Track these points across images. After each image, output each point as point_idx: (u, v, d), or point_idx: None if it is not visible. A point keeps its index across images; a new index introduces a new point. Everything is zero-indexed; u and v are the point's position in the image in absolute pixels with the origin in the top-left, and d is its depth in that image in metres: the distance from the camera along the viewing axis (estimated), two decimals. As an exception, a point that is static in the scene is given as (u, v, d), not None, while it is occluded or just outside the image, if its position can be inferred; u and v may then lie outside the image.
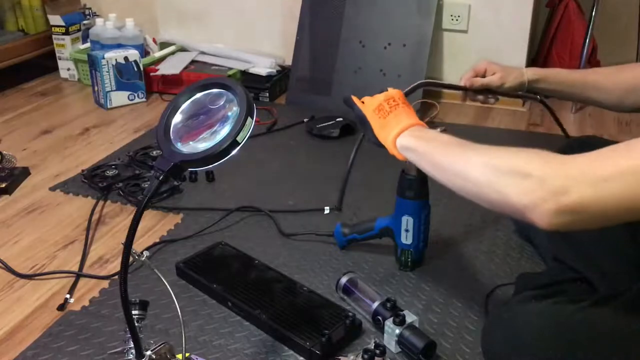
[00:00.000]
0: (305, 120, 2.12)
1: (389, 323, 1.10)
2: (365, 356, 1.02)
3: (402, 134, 1.02)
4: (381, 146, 1.07)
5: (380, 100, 1.10)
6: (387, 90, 1.13)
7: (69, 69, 2.62)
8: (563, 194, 0.75)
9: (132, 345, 0.89)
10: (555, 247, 1.22)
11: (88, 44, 2.55)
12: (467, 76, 1.33)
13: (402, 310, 1.12)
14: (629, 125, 2.14)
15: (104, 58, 2.26)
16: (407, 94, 1.16)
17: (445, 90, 2.37)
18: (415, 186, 1.26)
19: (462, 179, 0.88)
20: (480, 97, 1.34)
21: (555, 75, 1.31)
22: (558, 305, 0.90)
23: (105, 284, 1.32)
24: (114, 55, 2.28)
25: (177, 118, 0.90)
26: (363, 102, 1.13)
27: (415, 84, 1.24)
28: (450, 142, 0.95)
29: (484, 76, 1.33)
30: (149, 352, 0.90)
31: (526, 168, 0.79)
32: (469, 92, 1.34)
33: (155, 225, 1.53)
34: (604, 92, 1.27)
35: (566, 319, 0.88)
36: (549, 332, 0.87)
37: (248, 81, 2.36)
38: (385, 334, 1.11)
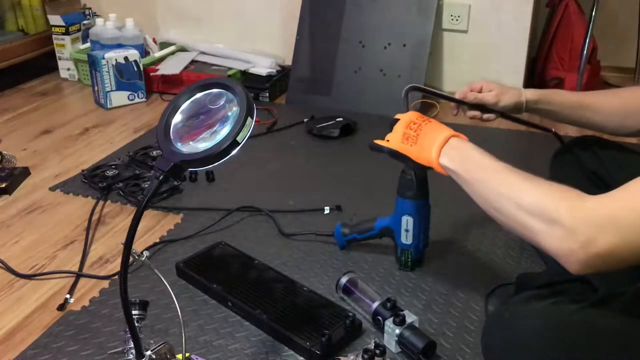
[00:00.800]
0: (305, 120, 2.12)
1: (389, 323, 1.10)
2: (365, 356, 1.02)
3: (441, 153, 1.04)
4: (428, 168, 1.09)
5: (403, 129, 1.11)
6: (395, 118, 1.13)
7: (69, 69, 2.62)
8: (591, 244, 0.78)
9: (132, 345, 0.89)
10: None
11: (88, 44, 2.56)
12: (462, 90, 1.31)
13: (402, 310, 1.12)
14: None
15: (104, 58, 2.26)
16: (409, 107, 1.16)
17: (446, 90, 2.38)
18: (415, 186, 1.26)
19: (497, 212, 0.92)
20: (475, 112, 1.32)
21: (555, 97, 1.28)
22: (558, 305, 0.90)
23: (105, 284, 1.32)
24: (114, 55, 2.28)
25: (177, 118, 0.90)
26: (388, 140, 1.13)
27: (405, 89, 1.22)
28: (486, 168, 0.97)
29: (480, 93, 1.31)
30: (149, 352, 0.90)
31: (555, 215, 0.82)
32: (463, 105, 1.32)
33: (155, 225, 1.53)
34: (604, 115, 1.25)
35: (566, 319, 0.88)
36: (549, 332, 0.87)
37: (248, 81, 2.36)
38: (385, 334, 1.11)
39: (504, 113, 1.32)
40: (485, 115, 1.32)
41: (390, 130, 1.14)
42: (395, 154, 1.12)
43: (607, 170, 1.28)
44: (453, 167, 1.01)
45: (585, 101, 1.27)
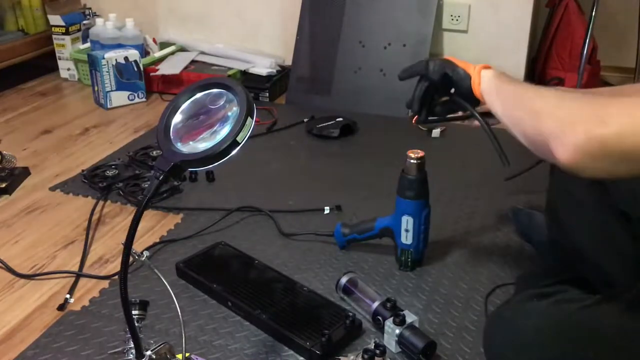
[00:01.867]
0: (305, 120, 2.12)
1: (389, 323, 1.10)
2: (365, 356, 1.02)
3: (483, 67, 1.05)
4: (466, 97, 1.10)
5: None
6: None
7: (69, 69, 2.62)
8: (597, 127, 0.74)
9: (132, 345, 0.89)
10: (554, 232, 1.20)
11: (88, 44, 2.56)
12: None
13: (402, 310, 1.12)
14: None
15: (104, 58, 2.26)
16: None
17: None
18: (415, 186, 1.26)
19: (519, 110, 0.91)
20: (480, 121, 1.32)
21: None
22: (558, 304, 0.90)
23: (105, 284, 1.32)
24: (114, 55, 2.28)
25: (177, 118, 0.90)
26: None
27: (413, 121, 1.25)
28: (523, 84, 0.97)
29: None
30: (149, 352, 0.90)
31: (573, 118, 0.78)
32: (471, 118, 1.31)
33: (155, 225, 1.53)
34: None
35: (566, 318, 0.88)
36: (549, 331, 0.87)
37: (248, 81, 2.35)
38: (385, 334, 1.11)
39: None
40: (492, 120, 1.31)
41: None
42: (443, 63, 1.13)
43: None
44: (494, 76, 1.02)
45: None
